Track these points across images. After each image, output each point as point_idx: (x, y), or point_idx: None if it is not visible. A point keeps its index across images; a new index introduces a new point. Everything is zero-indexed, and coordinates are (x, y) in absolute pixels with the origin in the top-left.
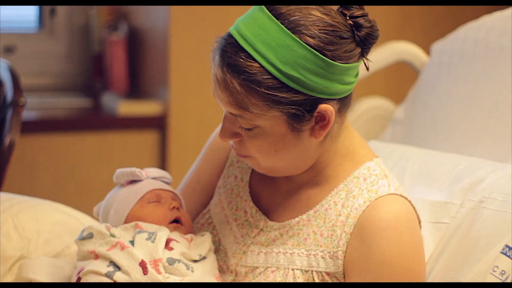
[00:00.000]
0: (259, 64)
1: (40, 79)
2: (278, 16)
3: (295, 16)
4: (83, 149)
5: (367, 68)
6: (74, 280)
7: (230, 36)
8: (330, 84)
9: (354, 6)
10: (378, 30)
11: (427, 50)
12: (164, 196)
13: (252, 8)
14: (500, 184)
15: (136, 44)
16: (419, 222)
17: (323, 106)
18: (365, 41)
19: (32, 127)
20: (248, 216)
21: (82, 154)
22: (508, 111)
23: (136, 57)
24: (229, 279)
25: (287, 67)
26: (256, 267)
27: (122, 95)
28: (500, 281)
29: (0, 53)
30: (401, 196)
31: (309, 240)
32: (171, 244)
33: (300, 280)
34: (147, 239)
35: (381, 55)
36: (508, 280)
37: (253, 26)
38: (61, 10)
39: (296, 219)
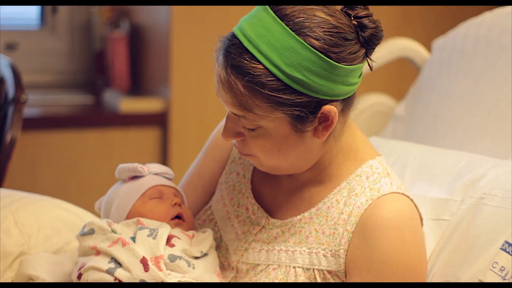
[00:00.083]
0: (263, 66)
1: (42, 76)
2: (282, 17)
3: (300, 17)
4: (84, 146)
5: (371, 68)
6: (75, 276)
7: (234, 36)
8: (334, 86)
9: (359, 6)
10: (382, 30)
11: (428, 47)
12: (166, 192)
13: (256, 8)
14: (500, 180)
15: (137, 41)
16: (421, 220)
17: (326, 108)
18: (370, 42)
19: (33, 124)
20: (250, 213)
21: (84, 151)
22: (508, 108)
23: (138, 54)
24: (230, 276)
25: (292, 69)
26: (258, 265)
27: (123, 92)
28: (500, 277)
29: (1, 50)
30: (403, 194)
31: (311, 238)
32: (173, 241)
33: (302, 278)
34: (149, 235)
35: (382, 52)
36: (508, 276)
37: (258, 27)
38: (63, 7)
39: (298, 217)
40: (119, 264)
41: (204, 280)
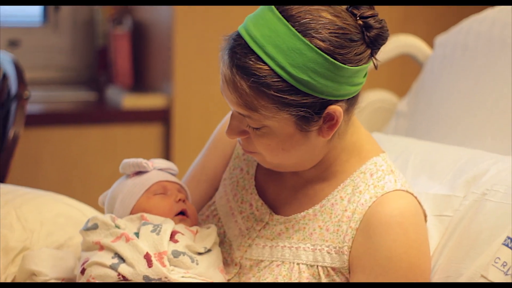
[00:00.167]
0: (269, 67)
1: (45, 73)
2: (288, 18)
3: (305, 18)
4: (87, 142)
5: (376, 68)
6: (78, 271)
7: (239, 36)
8: (340, 87)
9: (364, 6)
10: (388, 30)
11: (430, 43)
12: (170, 188)
13: (262, 8)
14: (502, 176)
15: (140, 37)
16: (425, 217)
17: (332, 108)
18: (375, 42)
19: (36, 121)
20: (254, 209)
21: (86, 147)
22: (510, 105)
23: (140, 50)
24: (233, 271)
25: (297, 70)
26: (261, 261)
27: (126, 88)
28: (502, 272)
29: (4, 46)
30: (407, 192)
31: (314, 235)
32: (176, 237)
33: (306, 274)
34: (152, 231)
35: (384, 48)
36: (510, 272)
37: (263, 28)
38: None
39: (302, 213)
40: (122, 259)
41: (207, 276)
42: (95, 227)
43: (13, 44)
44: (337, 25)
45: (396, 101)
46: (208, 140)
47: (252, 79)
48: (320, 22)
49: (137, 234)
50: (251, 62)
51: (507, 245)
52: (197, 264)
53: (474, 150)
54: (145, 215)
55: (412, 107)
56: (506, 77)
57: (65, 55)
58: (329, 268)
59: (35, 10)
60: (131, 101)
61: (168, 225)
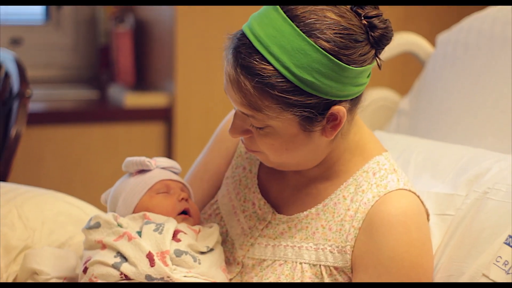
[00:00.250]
0: (274, 67)
1: (47, 71)
2: (293, 18)
3: (310, 18)
4: (89, 141)
5: (380, 68)
6: (80, 270)
7: (243, 35)
8: (344, 87)
9: (369, 6)
10: (392, 30)
11: (432, 41)
12: (173, 187)
13: (266, 7)
14: (504, 175)
15: (142, 36)
16: (428, 216)
17: (335, 108)
18: (379, 42)
19: (38, 119)
20: (256, 208)
21: (88, 146)
22: (511, 104)
23: (143, 49)
24: (235, 271)
25: (302, 71)
26: (264, 260)
27: (128, 87)
28: (503, 271)
29: (6, 45)
30: (410, 191)
31: (317, 234)
32: (179, 236)
33: (308, 274)
34: (155, 230)
35: (386, 47)
36: (511, 271)
37: (268, 27)
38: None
39: (305, 212)
40: (124, 258)
41: (209, 275)
42: (97, 225)
43: (15, 42)
44: (342, 25)
45: (398, 99)
46: (210, 138)
47: (257, 79)
48: (325, 22)
49: (139, 233)
50: (255, 62)
51: (508, 244)
52: (199, 263)
53: (476, 149)
54: (148, 214)
55: (414, 105)
56: (507, 76)
57: (67, 54)
58: (331, 268)
59: (37, 9)
60: (133, 100)
61: (171, 224)
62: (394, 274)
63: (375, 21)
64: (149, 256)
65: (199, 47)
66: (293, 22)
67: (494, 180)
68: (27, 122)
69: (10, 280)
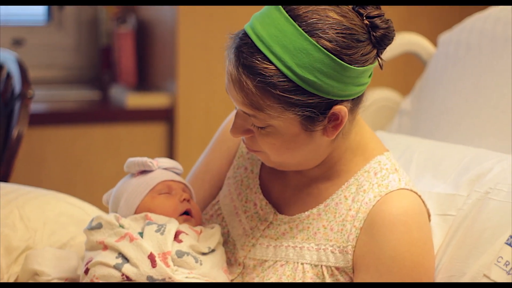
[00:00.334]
0: (275, 67)
1: (49, 72)
2: (295, 18)
3: (313, 18)
4: (91, 141)
5: (381, 67)
6: (81, 270)
7: (245, 35)
8: (345, 87)
9: (371, 6)
10: (394, 30)
11: (434, 42)
12: (175, 188)
13: (268, 7)
14: (506, 175)
15: (144, 36)
16: (429, 216)
17: (337, 108)
18: (381, 42)
19: (40, 120)
20: (258, 208)
21: (90, 146)
22: None
23: (144, 49)
24: (236, 271)
25: (304, 70)
26: (265, 261)
27: (130, 87)
28: (505, 272)
29: (8, 45)
30: (412, 191)
31: (319, 235)
32: (180, 237)
33: (310, 274)
34: (156, 231)
35: (388, 47)
36: None
37: (270, 27)
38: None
39: (306, 213)
40: (126, 259)
41: (211, 276)
42: (99, 226)
43: (17, 43)
44: (344, 25)
45: (399, 99)
46: (211, 138)
47: (258, 78)
48: (327, 22)
49: (141, 234)
50: (257, 62)
51: (509, 244)
52: (201, 264)
53: (478, 149)
54: (150, 214)
55: (415, 105)
56: (508, 76)
57: (69, 54)
58: (333, 268)
59: (39, 9)
60: (135, 100)
61: (172, 225)
62: (396, 274)
63: (377, 21)
64: (151, 257)
65: (200, 48)
66: (295, 21)
67: (495, 180)
68: (29, 123)
69: (11, 281)
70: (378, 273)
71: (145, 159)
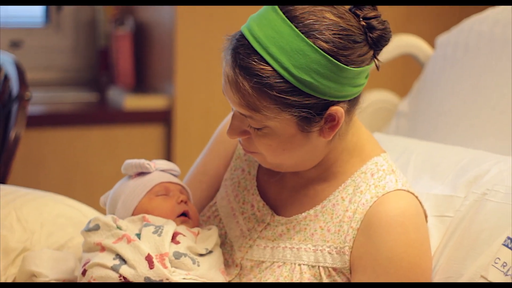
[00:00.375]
0: (272, 68)
1: (46, 74)
2: (292, 19)
3: (309, 19)
4: (89, 143)
5: (378, 69)
6: (79, 272)
7: (242, 36)
8: (342, 88)
9: (367, 7)
10: (390, 32)
11: (431, 43)
12: (172, 189)
13: (265, 8)
14: (503, 176)
15: (142, 38)
16: (426, 217)
17: (333, 108)
18: (377, 43)
19: (38, 121)
20: (255, 210)
21: (88, 148)
22: (511, 106)
23: (142, 51)
24: (234, 273)
25: (300, 71)
26: (262, 262)
27: (128, 89)
28: (502, 273)
29: (6, 47)
30: (408, 191)
31: (316, 236)
32: (178, 238)
33: (307, 275)
34: (154, 232)
35: (386, 48)
36: (510, 272)
37: (267, 28)
38: None
39: (303, 214)
40: (124, 261)
41: (208, 277)
42: (96, 228)
43: (14, 45)
44: (341, 26)
45: (397, 101)
46: (209, 140)
47: (255, 79)
48: (324, 23)
49: (138, 235)
50: (254, 63)
51: (507, 246)
52: (198, 265)
53: (476, 151)
54: (147, 216)
55: (413, 107)
56: (507, 77)
57: (66, 56)
58: (330, 269)
59: (37, 11)
60: (133, 102)
61: (170, 227)
62: (393, 274)
63: (374, 22)
64: (148, 258)
65: (198, 50)
66: (292, 22)
67: (493, 181)
68: (27, 125)
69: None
70: (375, 274)
71: (142, 161)
